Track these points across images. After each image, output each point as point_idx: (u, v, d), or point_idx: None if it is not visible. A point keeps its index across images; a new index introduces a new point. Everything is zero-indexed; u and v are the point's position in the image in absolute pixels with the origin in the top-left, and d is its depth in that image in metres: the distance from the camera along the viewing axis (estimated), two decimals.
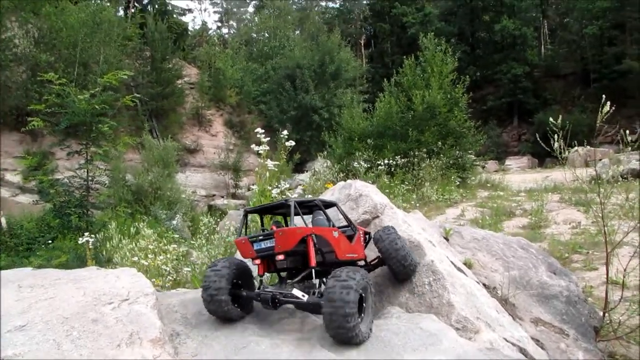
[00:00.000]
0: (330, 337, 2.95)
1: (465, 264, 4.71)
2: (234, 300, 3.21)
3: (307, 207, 3.59)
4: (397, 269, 3.67)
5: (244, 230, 3.48)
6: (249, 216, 3.63)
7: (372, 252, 3.90)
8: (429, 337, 3.06)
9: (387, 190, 12.74)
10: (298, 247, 3.08)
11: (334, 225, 3.49)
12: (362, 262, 3.71)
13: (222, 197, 29.36)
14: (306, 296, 3.02)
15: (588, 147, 14.55)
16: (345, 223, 3.77)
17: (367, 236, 3.91)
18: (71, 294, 3.05)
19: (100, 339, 2.65)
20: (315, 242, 3.13)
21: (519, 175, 24.77)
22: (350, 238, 3.54)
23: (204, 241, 8.45)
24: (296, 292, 3.03)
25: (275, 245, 3.04)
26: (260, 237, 3.15)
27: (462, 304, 3.58)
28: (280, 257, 3.08)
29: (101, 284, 3.23)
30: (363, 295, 2.92)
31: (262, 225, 3.73)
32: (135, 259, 7.02)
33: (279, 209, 3.61)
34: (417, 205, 12.84)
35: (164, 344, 2.77)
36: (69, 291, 3.10)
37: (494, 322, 3.66)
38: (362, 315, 2.94)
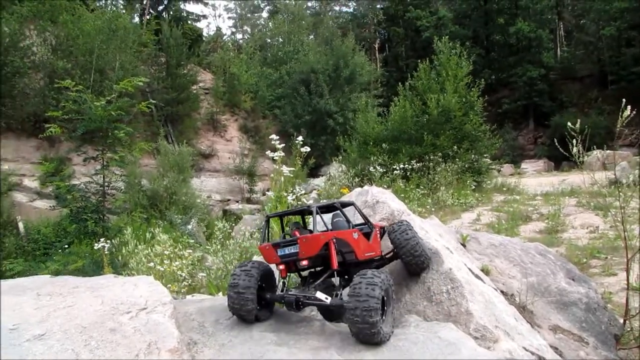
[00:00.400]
0: (348, 345, 2.96)
1: (482, 270, 4.66)
2: (257, 302, 3.25)
3: (326, 208, 3.65)
4: (407, 259, 3.67)
5: (266, 235, 3.53)
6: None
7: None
8: (447, 346, 3.02)
9: (403, 195, 12.71)
10: (320, 252, 3.13)
11: (353, 226, 3.52)
12: (377, 257, 3.73)
13: (237, 201, 29.46)
14: (329, 298, 3.07)
15: (608, 151, 14.46)
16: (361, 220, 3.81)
17: (382, 230, 3.94)
18: (89, 303, 3.06)
19: (119, 348, 2.65)
20: (336, 245, 3.18)
21: (535, 178, 24.58)
22: (367, 236, 3.57)
23: (219, 246, 8.47)
24: (319, 295, 3.08)
25: (300, 251, 3.09)
26: (284, 244, 3.18)
27: (480, 313, 3.53)
28: (305, 262, 3.15)
29: (119, 293, 3.25)
30: (385, 296, 2.95)
31: (283, 228, 3.78)
32: (151, 264, 7.06)
33: (301, 214, 3.72)
34: (433, 209, 12.77)
35: (182, 354, 2.77)
36: (87, 300, 3.11)
37: (512, 331, 3.60)
38: (385, 315, 2.96)
